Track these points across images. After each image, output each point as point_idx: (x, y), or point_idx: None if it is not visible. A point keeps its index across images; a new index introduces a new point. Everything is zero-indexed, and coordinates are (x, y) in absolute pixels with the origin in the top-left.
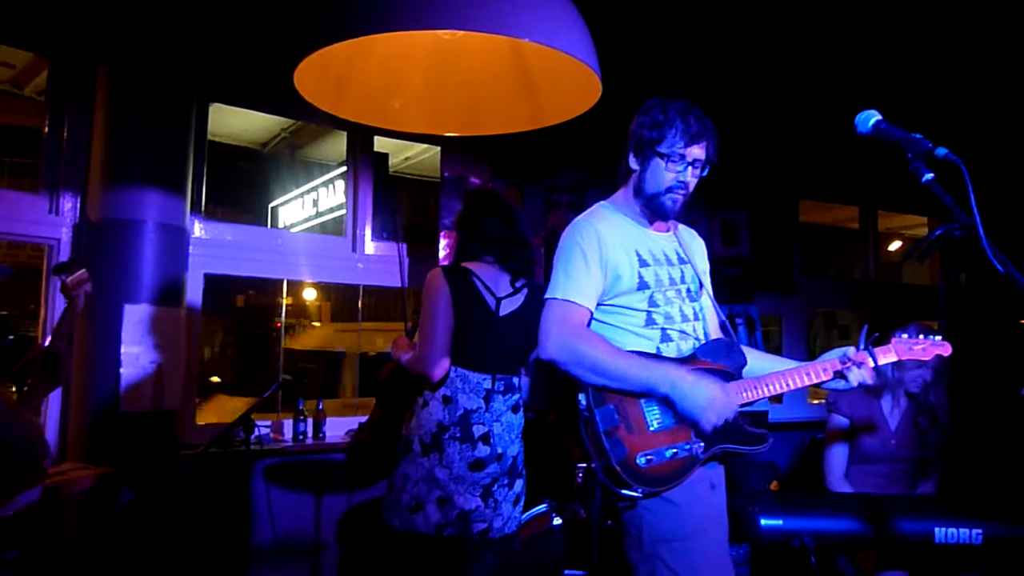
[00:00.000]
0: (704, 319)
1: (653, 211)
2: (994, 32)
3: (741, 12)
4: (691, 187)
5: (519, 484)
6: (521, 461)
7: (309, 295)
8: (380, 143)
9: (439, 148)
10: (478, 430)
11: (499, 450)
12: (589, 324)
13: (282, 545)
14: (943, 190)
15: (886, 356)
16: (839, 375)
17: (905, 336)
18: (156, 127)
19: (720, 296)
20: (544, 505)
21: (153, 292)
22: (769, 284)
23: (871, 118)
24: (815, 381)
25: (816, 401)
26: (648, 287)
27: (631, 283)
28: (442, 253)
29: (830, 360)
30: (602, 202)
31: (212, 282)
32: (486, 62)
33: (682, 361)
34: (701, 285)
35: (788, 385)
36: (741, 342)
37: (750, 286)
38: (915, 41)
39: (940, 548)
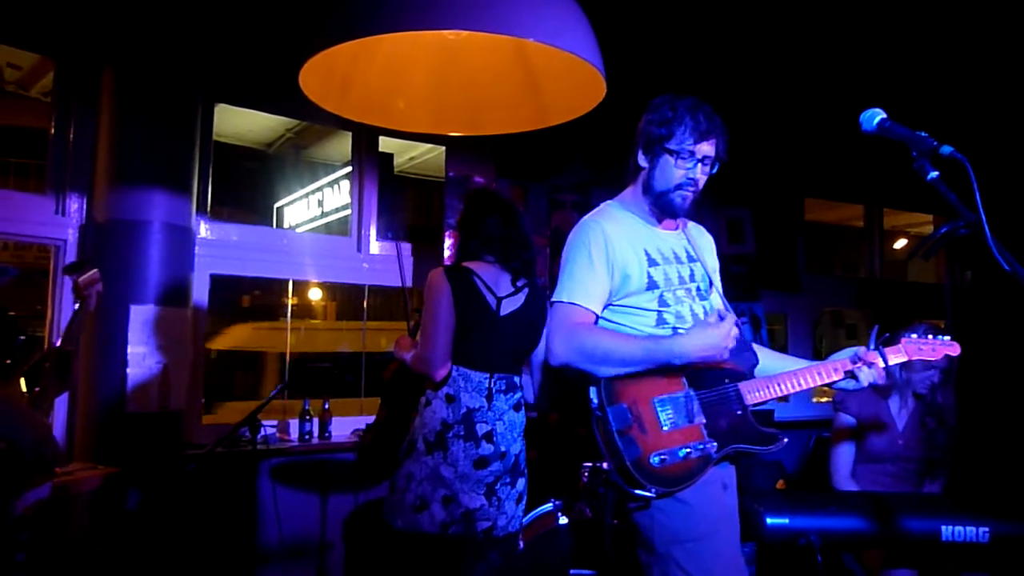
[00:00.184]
0: None
1: (662, 209)
2: (998, 30)
3: (746, 10)
4: (700, 184)
5: (521, 482)
6: (523, 459)
7: (315, 295)
8: (385, 143)
9: (444, 148)
10: (481, 428)
11: (502, 448)
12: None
13: (288, 545)
14: (948, 188)
15: (896, 356)
16: (850, 375)
17: (915, 336)
18: (162, 128)
19: (725, 294)
20: (550, 504)
21: (159, 292)
22: (774, 282)
23: (876, 116)
24: (826, 381)
25: (822, 400)
26: (657, 286)
27: (640, 283)
28: (447, 253)
29: (841, 360)
30: (609, 201)
31: (218, 282)
32: (490, 62)
33: (694, 360)
34: (711, 283)
35: (800, 384)
36: None
37: (755, 284)
38: (920, 39)
39: (947, 546)
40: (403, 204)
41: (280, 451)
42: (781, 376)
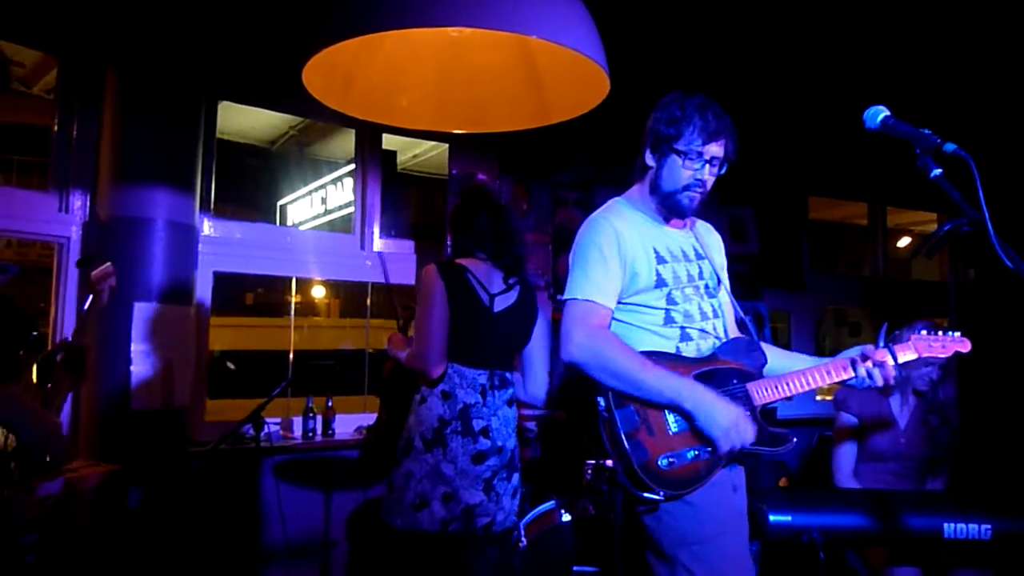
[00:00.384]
0: (723, 316)
1: (669, 209)
2: (1002, 28)
3: (750, 7)
4: (709, 185)
5: (516, 477)
6: (517, 455)
7: (318, 293)
8: (388, 141)
9: (447, 145)
10: (477, 424)
11: (498, 443)
12: (610, 325)
13: (292, 543)
14: (951, 186)
15: (906, 353)
16: (859, 373)
17: (924, 332)
18: (165, 125)
19: None
20: (552, 502)
21: (163, 290)
22: (778, 281)
23: (879, 114)
24: (836, 379)
25: (826, 398)
26: (666, 284)
27: (649, 281)
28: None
29: (850, 357)
30: (617, 198)
31: (222, 280)
32: (494, 59)
33: (702, 361)
34: (719, 281)
35: (809, 384)
36: None
37: (759, 283)
38: (924, 37)
39: (949, 543)
40: (406, 202)
41: (284, 449)
42: (790, 375)
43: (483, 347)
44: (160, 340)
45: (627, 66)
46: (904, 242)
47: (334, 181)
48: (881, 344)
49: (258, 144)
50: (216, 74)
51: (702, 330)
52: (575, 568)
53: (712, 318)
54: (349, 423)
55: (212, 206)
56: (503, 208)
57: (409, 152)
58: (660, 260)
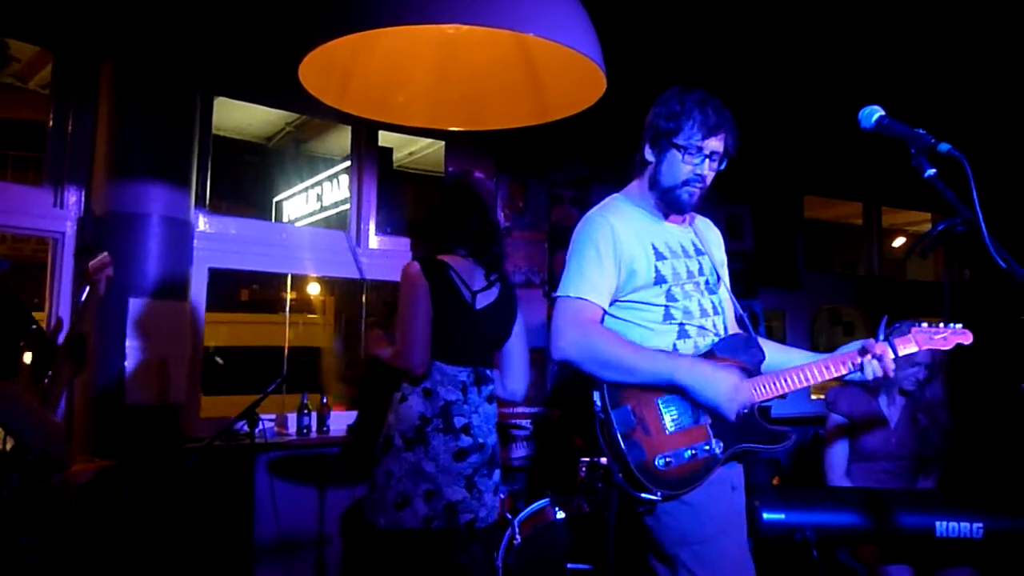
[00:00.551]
0: (723, 313)
1: (669, 204)
2: (997, 28)
3: (745, 6)
4: (708, 180)
5: (497, 474)
6: (498, 451)
7: (313, 290)
8: (384, 138)
9: (443, 143)
10: (459, 421)
11: (480, 440)
12: (602, 322)
13: (286, 538)
14: (945, 185)
15: (907, 346)
16: (859, 368)
17: (925, 325)
18: (161, 121)
19: None
20: (547, 499)
21: (158, 286)
22: (773, 279)
23: (874, 114)
24: (835, 375)
25: (821, 396)
26: (665, 281)
27: (647, 277)
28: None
29: (849, 352)
30: (616, 194)
31: (216, 276)
32: (490, 57)
33: (700, 358)
34: (719, 277)
35: (808, 379)
36: None
37: (754, 281)
38: (918, 37)
39: (941, 542)
40: (402, 199)
41: (278, 445)
42: (788, 371)
43: (465, 344)
44: (155, 336)
45: (624, 64)
46: (899, 242)
47: (330, 178)
48: (881, 337)
49: (254, 140)
50: (212, 69)
51: (701, 327)
52: (569, 565)
53: (712, 315)
54: (344, 420)
55: (208, 202)
56: (487, 204)
57: (405, 149)
58: (659, 256)
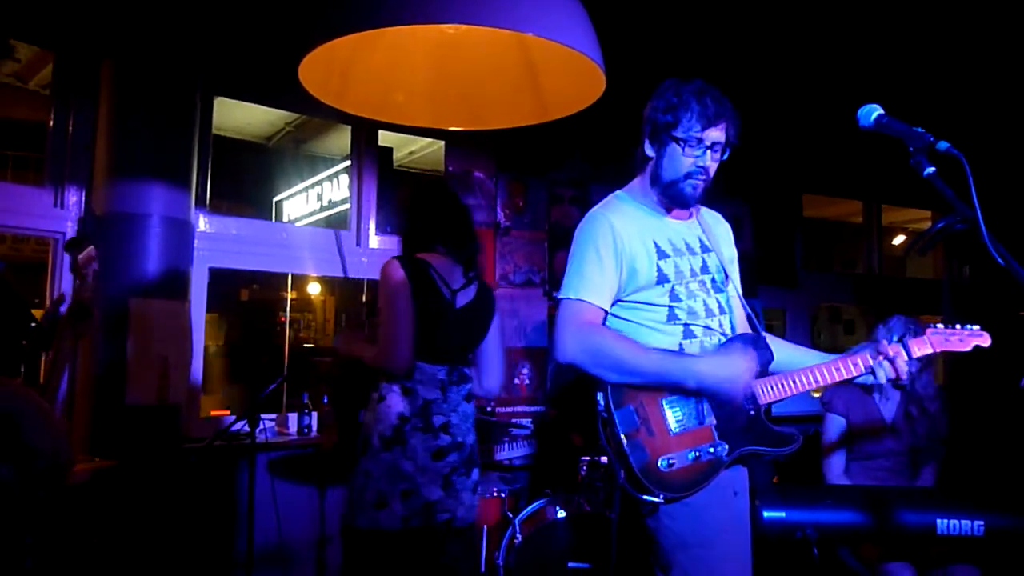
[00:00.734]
0: (731, 312)
1: (672, 199)
2: (996, 27)
3: (744, 5)
4: (712, 172)
5: (475, 473)
6: (476, 450)
7: (313, 289)
8: (384, 137)
9: (443, 143)
10: (438, 420)
11: (459, 439)
12: (604, 323)
13: (286, 539)
14: (944, 184)
15: (921, 348)
16: (870, 370)
17: (940, 326)
18: (161, 121)
19: None
20: (547, 498)
21: (158, 285)
22: (772, 278)
23: (873, 112)
24: (846, 376)
25: (818, 396)
26: (668, 280)
27: (649, 277)
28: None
29: (861, 354)
30: (617, 192)
31: (217, 276)
32: (490, 56)
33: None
34: (727, 275)
35: (817, 381)
36: None
37: (753, 280)
38: (917, 35)
39: (942, 539)
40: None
41: (279, 445)
42: (797, 372)
43: (445, 343)
44: (155, 336)
45: (623, 63)
46: (899, 240)
47: (330, 177)
48: (894, 339)
49: (254, 140)
50: (212, 69)
51: (707, 327)
52: (570, 564)
53: (719, 314)
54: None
55: (208, 202)
56: (463, 202)
57: (405, 149)
58: (661, 255)
